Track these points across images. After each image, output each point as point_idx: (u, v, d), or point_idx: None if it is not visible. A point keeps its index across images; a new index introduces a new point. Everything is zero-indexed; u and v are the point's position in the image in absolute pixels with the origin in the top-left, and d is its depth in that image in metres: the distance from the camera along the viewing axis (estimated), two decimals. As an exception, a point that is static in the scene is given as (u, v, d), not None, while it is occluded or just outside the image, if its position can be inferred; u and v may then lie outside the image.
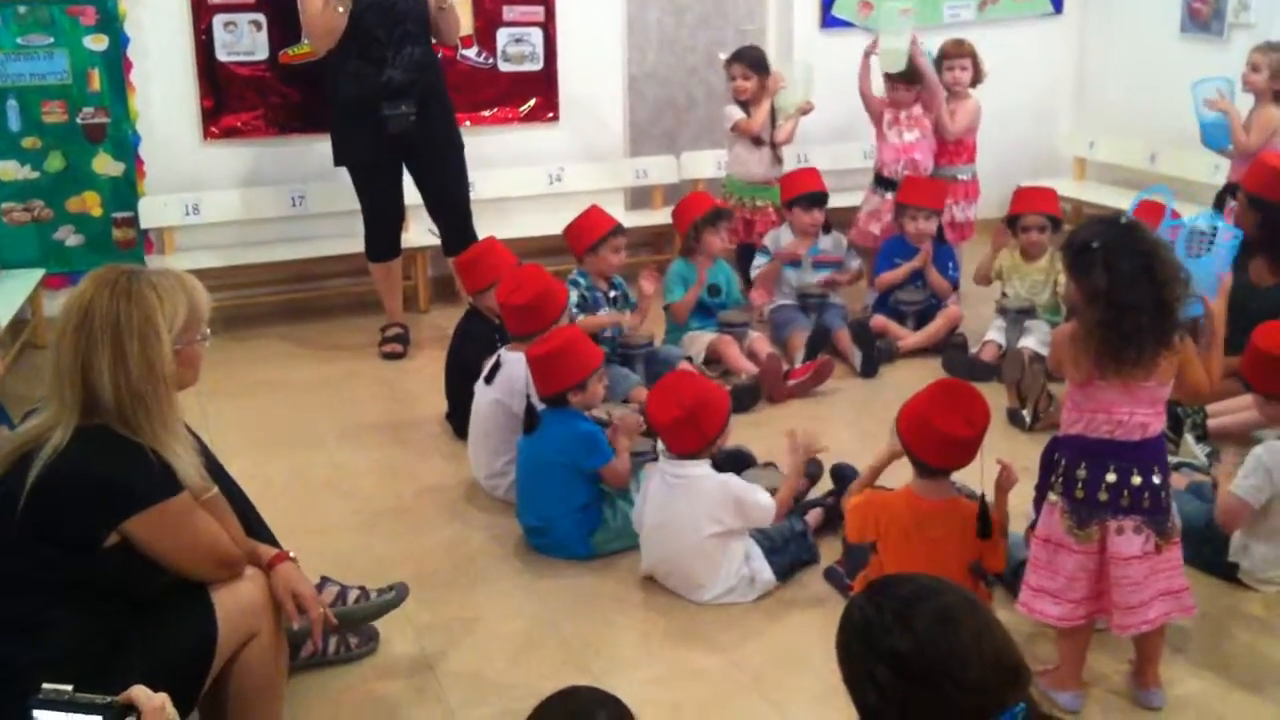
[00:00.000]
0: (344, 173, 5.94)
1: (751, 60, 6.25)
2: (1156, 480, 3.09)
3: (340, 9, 5.36)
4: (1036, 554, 3.20)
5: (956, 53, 6.33)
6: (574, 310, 4.99)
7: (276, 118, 6.39)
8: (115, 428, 2.63)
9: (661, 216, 6.61)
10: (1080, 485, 3.09)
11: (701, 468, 3.73)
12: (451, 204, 5.90)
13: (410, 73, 5.51)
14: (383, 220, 5.86)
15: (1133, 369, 3.01)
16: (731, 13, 7.32)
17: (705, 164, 7.20)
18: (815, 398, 5.30)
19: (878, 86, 6.32)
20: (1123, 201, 6.42)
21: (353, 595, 3.43)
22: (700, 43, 7.26)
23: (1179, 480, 3.88)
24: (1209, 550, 3.74)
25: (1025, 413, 4.90)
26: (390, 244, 5.93)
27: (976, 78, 6.34)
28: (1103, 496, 3.07)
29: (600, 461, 3.97)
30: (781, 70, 6.35)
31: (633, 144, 7.23)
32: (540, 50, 6.77)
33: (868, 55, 6.29)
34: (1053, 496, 3.16)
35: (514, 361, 4.31)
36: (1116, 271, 2.96)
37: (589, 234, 5.20)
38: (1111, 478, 3.06)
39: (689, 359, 5.32)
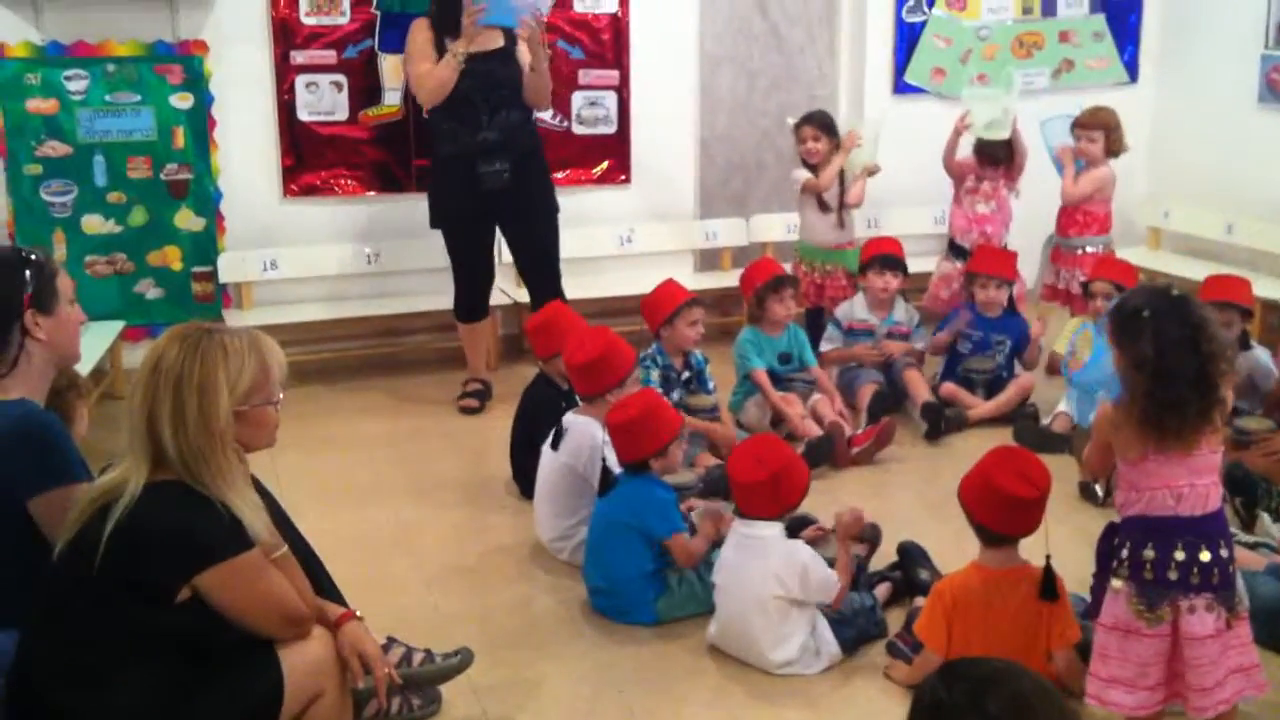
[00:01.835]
0: (420, 231, 6.02)
1: (822, 123, 6.21)
2: (1224, 554, 3.03)
3: (455, 59, 5.44)
4: (1104, 643, 3.11)
5: (1087, 123, 6.08)
6: (653, 383, 5.00)
7: (354, 176, 6.50)
8: (186, 482, 2.67)
9: (730, 279, 6.61)
10: (1148, 566, 3.02)
11: (773, 529, 3.72)
12: (543, 264, 5.91)
13: (505, 133, 5.62)
14: (473, 282, 5.92)
15: (1174, 441, 2.98)
16: (803, 77, 7.36)
17: (775, 227, 7.20)
18: (879, 465, 5.25)
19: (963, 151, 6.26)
20: (1198, 272, 6.34)
21: (418, 658, 3.43)
22: (772, 107, 7.29)
23: (1258, 561, 3.80)
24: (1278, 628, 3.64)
25: (1098, 487, 4.81)
26: (479, 306, 6.01)
27: (1111, 147, 6.07)
28: (1172, 575, 3.00)
29: (667, 531, 3.94)
30: (856, 129, 6.28)
31: (703, 206, 7.27)
32: (614, 113, 6.85)
33: (958, 134, 6.17)
34: (1117, 583, 3.08)
35: (579, 425, 4.32)
36: (1163, 340, 2.94)
37: (663, 307, 5.19)
38: (1180, 555, 3.00)
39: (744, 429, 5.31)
